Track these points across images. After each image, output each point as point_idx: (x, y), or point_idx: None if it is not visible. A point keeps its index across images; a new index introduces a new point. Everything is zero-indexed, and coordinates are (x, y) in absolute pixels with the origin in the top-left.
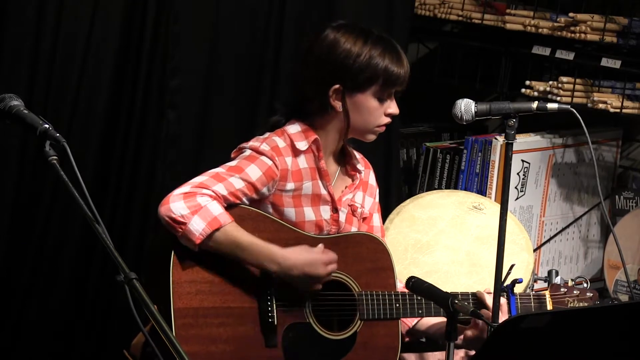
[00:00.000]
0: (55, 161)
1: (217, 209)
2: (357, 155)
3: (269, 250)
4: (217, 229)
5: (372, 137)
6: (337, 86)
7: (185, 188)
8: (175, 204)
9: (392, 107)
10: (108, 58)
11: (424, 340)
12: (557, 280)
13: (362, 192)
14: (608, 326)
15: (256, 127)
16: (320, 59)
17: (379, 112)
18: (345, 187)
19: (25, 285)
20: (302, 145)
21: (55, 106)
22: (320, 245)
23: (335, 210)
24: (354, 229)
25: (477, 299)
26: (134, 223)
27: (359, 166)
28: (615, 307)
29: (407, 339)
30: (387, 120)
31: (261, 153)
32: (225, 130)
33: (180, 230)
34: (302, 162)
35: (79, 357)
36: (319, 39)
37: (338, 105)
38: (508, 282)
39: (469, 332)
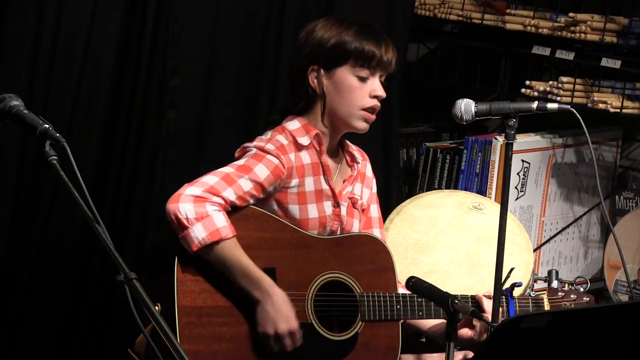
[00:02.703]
0: (55, 161)
1: (221, 221)
2: (354, 147)
3: (258, 278)
4: (216, 242)
5: (360, 124)
6: (313, 66)
7: (197, 190)
8: (185, 205)
9: (377, 89)
10: (108, 58)
11: (424, 340)
12: (555, 283)
13: (360, 183)
14: (608, 326)
15: (256, 127)
16: (300, 46)
17: (360, 92)
18: (344, 180)
19: (25, 285)
20: (304, 140)
21: (55, 106)
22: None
23: (337, 204)
24: (356, 222)
25: (476, 302)
26: (134, 223)
27: (357, 157)
28: (615, 307)
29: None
30: (373, 102)
31: (267, 152)
32: (225, 130)
33: (181, 232)
34: (305, 157)
35: (79, 357)
36: (303, 30)
37: (316, 84)
38: (507, 285)
39: (459, 331)
